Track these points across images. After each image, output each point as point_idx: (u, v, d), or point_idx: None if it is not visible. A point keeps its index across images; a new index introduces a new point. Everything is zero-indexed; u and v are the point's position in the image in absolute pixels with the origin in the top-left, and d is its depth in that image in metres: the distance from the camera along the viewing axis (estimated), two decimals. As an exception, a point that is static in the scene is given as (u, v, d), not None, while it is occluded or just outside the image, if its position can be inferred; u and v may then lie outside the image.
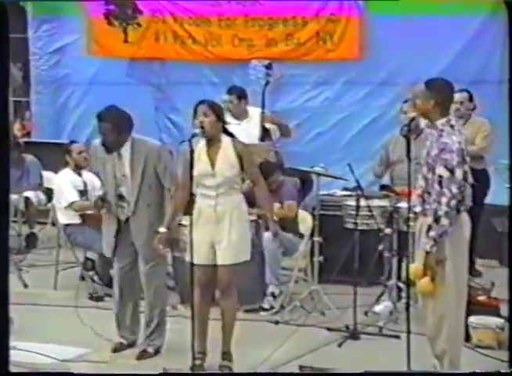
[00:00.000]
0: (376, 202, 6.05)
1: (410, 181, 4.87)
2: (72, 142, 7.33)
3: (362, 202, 5.83)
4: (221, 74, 9.43)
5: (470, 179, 4.44)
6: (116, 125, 5.12)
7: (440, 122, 4.42)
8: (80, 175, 7.06)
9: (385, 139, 7.13)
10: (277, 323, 5.87)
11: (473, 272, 6.99)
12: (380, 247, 6.11)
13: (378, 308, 5.95)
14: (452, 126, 4.40)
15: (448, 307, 4.45)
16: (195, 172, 4.78)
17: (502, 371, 4.35)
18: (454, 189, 4.27)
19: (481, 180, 6.47)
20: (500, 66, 8.54)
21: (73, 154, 7.06)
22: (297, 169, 6.84)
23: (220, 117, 4.95)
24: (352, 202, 5.97)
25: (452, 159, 4.26)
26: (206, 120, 4.85)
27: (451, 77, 4.73)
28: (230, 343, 5.03)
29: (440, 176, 4.30)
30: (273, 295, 6.27)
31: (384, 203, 6.05)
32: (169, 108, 9.64)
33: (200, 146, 4.94)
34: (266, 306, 6.22)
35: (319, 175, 6.34)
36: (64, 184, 6.98)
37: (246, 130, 6.95)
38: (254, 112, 7.33)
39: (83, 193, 6.98)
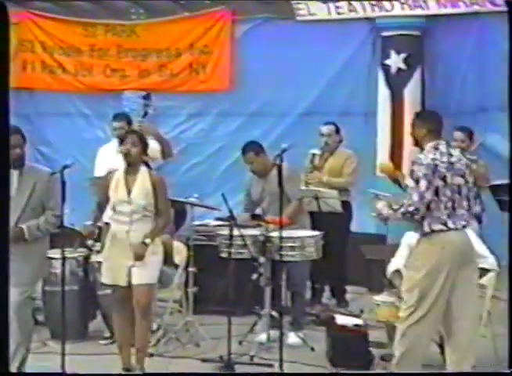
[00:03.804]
0: (248, 231, 6.09)
1: (282, 210, 4.99)
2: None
3: (236, 231, 5.86)
4: (92, 105, 9.35)
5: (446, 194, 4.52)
6: None
7: (429, 145, 4.57)
8: None
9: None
10: (151, 355, 5.77)
11: (341, 302, 7.16)
12: (254, 276, 6.15)
13: (258, 337, 5.97)
14: (436, 148, 4.54)
15: None
16: (112, 198, 5.07)
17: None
18: (414, 197, 4.44)
19: (344, 211, 6.70)
20: (366, 98, 8.87)
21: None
22: (171, 200, 6.80)
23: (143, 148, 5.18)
24: (226, 231, 5.98)
25: (418, 170, 4.46)
26: (133, 150, 5.10)
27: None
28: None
29: (406, 186, 4.56)
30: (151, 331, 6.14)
31: (256, 232, 6.10)
32: (39, 139, 9.33)
33: (118, 174, 5.13)
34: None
35: (193, 205, 6.35)
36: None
37: None
38: None
39: None
